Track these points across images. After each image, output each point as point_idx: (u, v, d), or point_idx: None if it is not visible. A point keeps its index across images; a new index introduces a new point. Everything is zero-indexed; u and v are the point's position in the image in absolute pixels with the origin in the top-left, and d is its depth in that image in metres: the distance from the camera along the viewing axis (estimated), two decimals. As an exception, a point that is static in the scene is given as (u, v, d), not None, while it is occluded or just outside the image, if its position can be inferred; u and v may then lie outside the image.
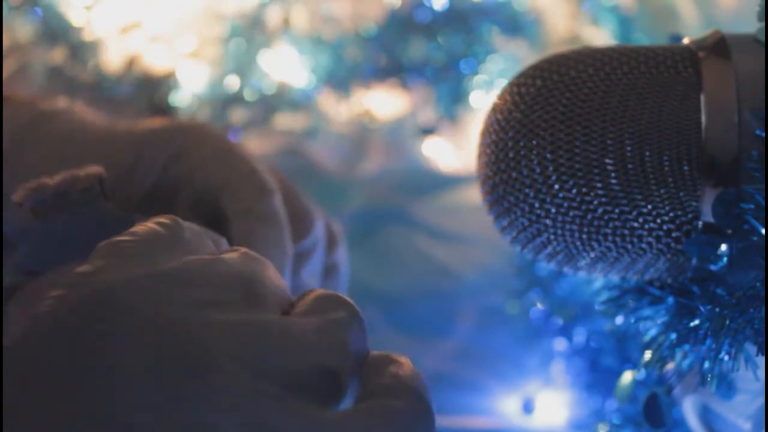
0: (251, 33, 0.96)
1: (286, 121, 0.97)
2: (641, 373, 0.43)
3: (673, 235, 0.37)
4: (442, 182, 0.89)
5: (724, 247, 0.36)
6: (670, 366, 0.40)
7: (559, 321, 0.56)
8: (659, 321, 0.40)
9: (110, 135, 0.46)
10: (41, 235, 0.38)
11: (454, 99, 0.94)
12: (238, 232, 0.42)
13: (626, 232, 0.37)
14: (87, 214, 0.38)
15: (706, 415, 0.42)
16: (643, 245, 0.38)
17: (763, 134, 0.35)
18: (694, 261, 0.37)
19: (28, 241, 0.38)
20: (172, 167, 0.44)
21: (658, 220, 0.37)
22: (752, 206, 0.35)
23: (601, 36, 0.95)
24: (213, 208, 0.43)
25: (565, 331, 0.56)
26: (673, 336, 0.38)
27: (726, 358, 0.36)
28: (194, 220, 0.39)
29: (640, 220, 0.37)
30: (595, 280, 0.45)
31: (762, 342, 0.35)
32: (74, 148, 0.45)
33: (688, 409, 0.43)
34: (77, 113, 0.48)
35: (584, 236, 0.38)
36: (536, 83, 0.39)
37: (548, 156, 0.37)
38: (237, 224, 0.42)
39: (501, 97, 0.40)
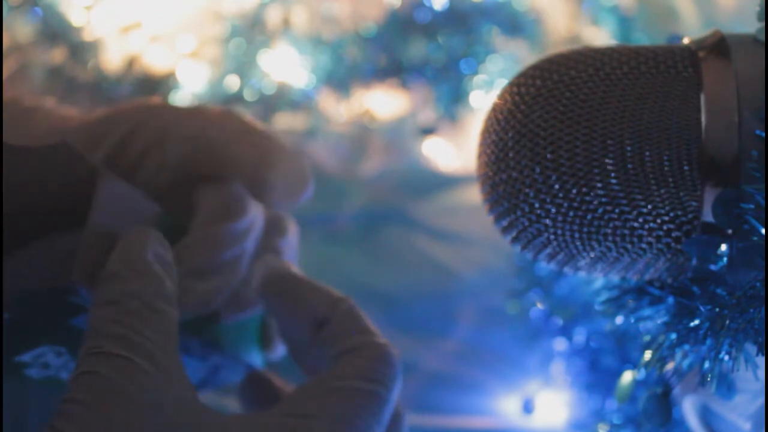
0: (251, 33, 0.96)
1: (286, 121, 0.97)
2: (641, 373, 0.43)
3: (673, 235, 0.37)
4: (442, 182, 0.89)
5: (724, 247, 0.36)
6: (670, 366, 0.40)
7: (559, 321, 0.56)
8: (659, 321, 0.40)
9: (75, 122, 0.47)
10: None
11: (454, 99, 0.94)
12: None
13: (626, 232, 0.37)
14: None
15: (706, 415, 0.42)
16: (643, 245, 0.38)
17: (763, 134, 0.35)
18: (694, 261, 0.37)
19: None
20: (136, 136, 0.45)
21: (658, 220, 0.37)
22: (752, 206, 0.34)
23: (601, 36, 0.95)
24: (190, 166, 0.45)
25: (565, 331, 0.56)
26: (673, 336, 0.38)
27: (726, 358, 0.36)
28: (157, 186, 0.40)
29: (640, 220, 0.37)
30: (595, 280, 0.45)
31: (762, 342, 0.35)
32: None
33: (688, 409, 0.43)
34: (54, 109, 0.49)
35: (584, 236, 0.38)
36: (536, 83, 0.39)
37: (548, 156, 0.37)
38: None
39: (501, 97, 0.40)
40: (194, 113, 0.47)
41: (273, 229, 0.46)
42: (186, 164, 0.45)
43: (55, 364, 0.41)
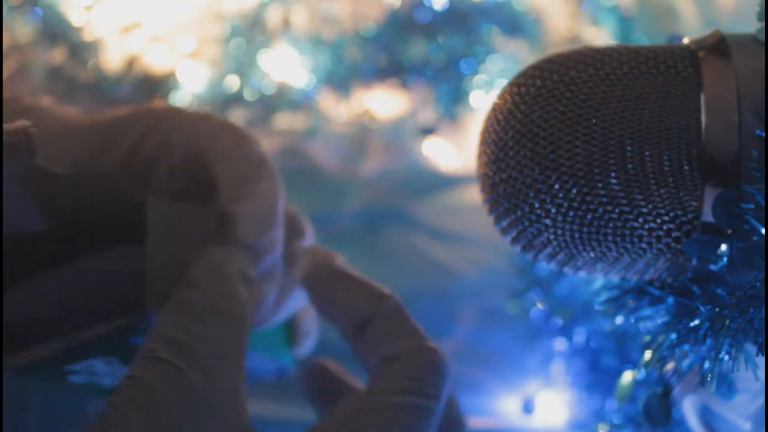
0: (251, 33, 0.96)
1: (286, 121, 0.97)
2: (641, 373, 0.43)
3: (673, 235, 0.37)
4: (442, 182, 0.89)
5: (724, 247, 0.36)
6: (670, 366, 0.40)
7: (559, 321, 0.56)
8: (659, 321, 0.40)
9: (80, 124, 0.46)
10: None
11: (454, 99, 0.94)
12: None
13: (626, 232, 0.37)
14: (13, 173, 0.37)
15: (706, 415, 0.42)
16: (643, 245, 0.38)
17: (763, 134, 0.35)
18: (694, 261, 0.37)
19: None
20: (145, 143, 0.44)
21: (658, 220, 0.37)
22: (752, 206, 0.34)
23: (601, 36, 0.95)
24: (194, 174, 0.43)
25: (565, 331, 0.56)
26: (673, 336, 0.38)
27: (726, 358, 0.36)
28: (173, 190, 0.39)
29: (640, 220, 0.37)
30: (595, 280, 0.45)
31: (762, 342, 0.35)
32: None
33: (688, 409, 0.43)
34: (54, 108, 0.49)
35: (584, 236, 0.38)
36: (536, 83, 0.39)
37: (548, 156, 0.37)
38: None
39: (501, 97, 0.40)
40: (196, 123, 0.46)
41: (292, 231, 0.45)
42: (191, 174, 0.45)
43: (102, 371, 0.41)
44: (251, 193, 0.41)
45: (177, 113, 0.46)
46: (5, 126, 0.36)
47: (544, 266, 0.50)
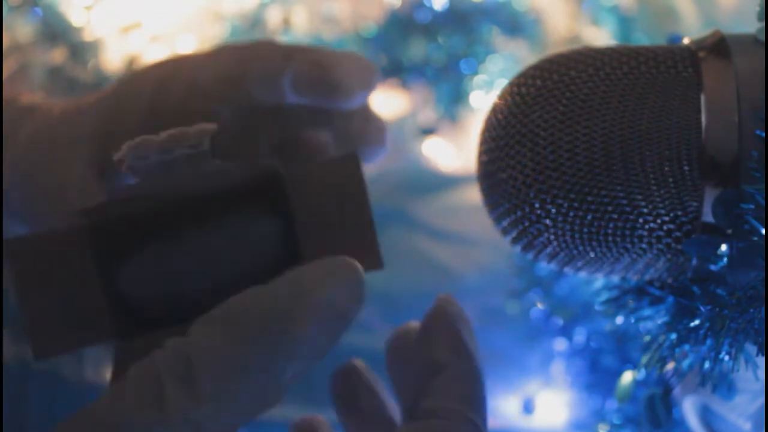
0: (251, 33, 0.96)
1: (286, 121, 0.97)
2: (641, 373, 0.43)
3: (674, 235, 0.37)
4: (442, 182, 0.89)
5: (724, 247, 0.36)
6: (670, 366, 0.40)
7: (559, 321, 0.56)
8: (659, 321, 0.40)
9: (89, 102, 0.46)
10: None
11: (454, 99, 0.94)
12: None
13: (626, 232, 0.37)
14: (189, 174, 0.36)
15: (706, 415, 0.42)
16: (644, 245, 0.38)
17: (763, 134, 0.35)
18: (694, 261, 0.37)
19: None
20: (157, 100, 0.44)
21: (659, 221, 0.37)
22: (752, 206, 0.34)
23: (601, 36, 0.94)
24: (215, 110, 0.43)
25: (565, 331, 0.56)
26: (673, 336, 0.38)
27: (726, 358, 0.36)
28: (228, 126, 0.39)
29: (641, 220, 0.37)
30: (595, 280, 0.45)
31: (762, 342, 0.35)
32: (48, 134, 0.45)
33: (688, 409, 0.43)
34: (53, 102, 0.49)
35: (584, 236, 0.38)
36: (536, 83, 0.39)
37: (548, 156, 0.37)
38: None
39: (501, 97, 0.40)
40: (208, 57, 0.45)
41: None
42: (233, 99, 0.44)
43: None
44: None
45: (182, 60, 0.46)
46: (188, 128, 0.35)
47: (544, 266, 0.50)
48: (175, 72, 0.45)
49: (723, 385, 0.38)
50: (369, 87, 0.45)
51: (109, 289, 0.36)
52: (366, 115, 0.47)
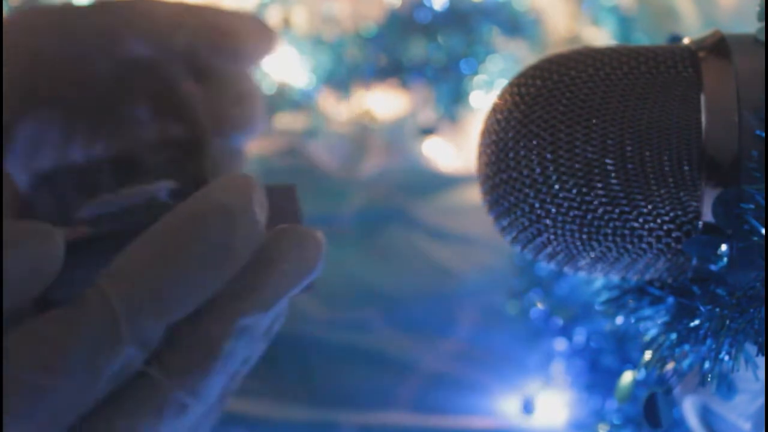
0: (251, 33, 0.96)
1: (286, 121, 0.97)
2: (641, 373, 0.43)
3: (674, 235, 0.37)
4: (442, 182, 0.89)
5: (724, 247, 0.36)
6: (670, 366, 0.40)
7: (559, 321, 0.56)
8: (659, 321, 0.40)
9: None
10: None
11: (454, 99, 0.94)
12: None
13: (626, 232, 0.37)
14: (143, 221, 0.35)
15: (706, 415, 0.42)
16: (644, 245, 0.38)
17: (763, 134, 0.35)
18: (694, 261, 0.37)
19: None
20: (40, 48, 0.43)
21: (659, 220, 0.37)
22: (752, 206, 0.34)
23: (601, 36, 0.95)
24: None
25: (565, 331, 0.56)
26: (673, 336, 0.38)
27: (726, 358, 0.36)
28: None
29: (641, 220, 0.37)
30: (595, 280, 0.45)
31: (762, 342, 0.35)
32: None
33: (688, 409, 0.43)
34: None
35: (584, 236, 0.38)
36: (536, 83, 0.39)
37: (548, 156, 0.37)
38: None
39: (501, 97, 0.40)
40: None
41: None
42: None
43: None
44: None
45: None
46: (147, 186, 0.36)
47: (544, 266, 0.50)
48: (60, 20, 0.44)
49: (723, 385, 0.38)
50: (265, 52, 0.45)
51: None
52: (244, 87, 0.46)
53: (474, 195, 0.42)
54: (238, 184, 0.32)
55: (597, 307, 0.45)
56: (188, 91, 0.44)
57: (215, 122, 0.43)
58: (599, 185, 0.37)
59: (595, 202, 0.37)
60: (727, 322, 0.35)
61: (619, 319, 0.43)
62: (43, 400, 0.28)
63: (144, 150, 0.42)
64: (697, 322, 0.37)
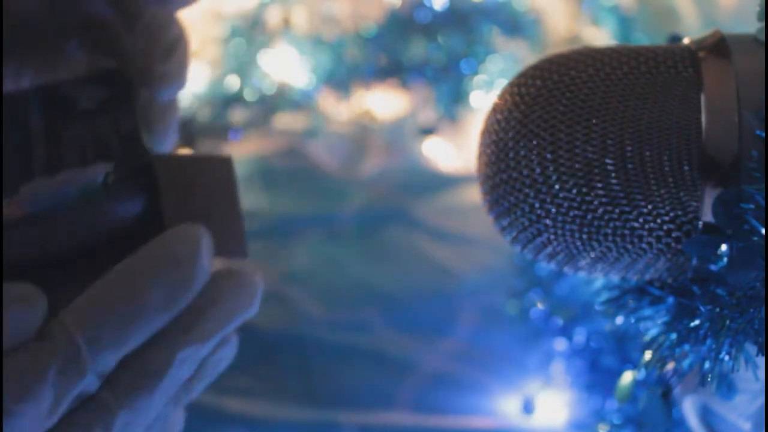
0: (251, 33, 0.96)
1: (286, 121, 0.97)
2: (641, 373, 0.43)
3: (674, 235, 0.37)
4: (442, 182, 0.89)
5: (724, 247, 0.36)
6: (670, 366, 0.40)
7: (559, 321, 0.56)
8: (659, 321, 0.40)
9: None
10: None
11: (454, 99, 0.94)
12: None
13: (626, 232, 0.37)
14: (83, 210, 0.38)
15: (706, 415, 0.42)
16: (644, 245, 0.38)
17: (763, 134, 0.35)
18: (694, 261, 0.37)
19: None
20: None
21: (659, 220, 0.37)
22: (752, 206, 0.34)
23: (601, 36, 0.95)
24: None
25: (565, 331, 0.56)
26: (673, 336, 0.38)
27: (726, 358, 0.36)
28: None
29: (641, 220, 0.37)
30: (595, 280, 0.45)
31: (762, 342, 0.35)
32: None
33: (688, 409, 0.43)
34: None
35: (584, 236, 0.38)
36: (536, 83, 0.39)
37: (548, 156, 0.37)
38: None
39: (501, 97, 0.40)
40: None
41: None
42: None
43: None
44: None
45: None
46: (79, 171, 0.37)
47: (544, 266, 0.50)
48: None
49: (723, 385, 0.38)
50: None
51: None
52: (171, 35, 0.46)
53: (474, 195, 0.42)
54: (188, 235, 0.36)
55: (597, 307, 0.45)
56: (117, 31, 0.44)
57: (142, 76, 0.44)
58: (599, 185, 0.37)
59: (595, 202, 0.37)
60: (727, 322, 0.35)
61: (619, 319, 0.43)
62: (10, 424, 0.32)
63: (73, 86, 0.42)
64: (697, 322, 0.37)
